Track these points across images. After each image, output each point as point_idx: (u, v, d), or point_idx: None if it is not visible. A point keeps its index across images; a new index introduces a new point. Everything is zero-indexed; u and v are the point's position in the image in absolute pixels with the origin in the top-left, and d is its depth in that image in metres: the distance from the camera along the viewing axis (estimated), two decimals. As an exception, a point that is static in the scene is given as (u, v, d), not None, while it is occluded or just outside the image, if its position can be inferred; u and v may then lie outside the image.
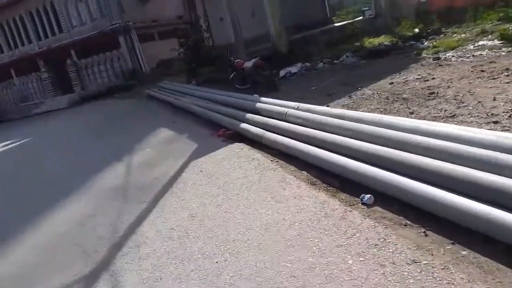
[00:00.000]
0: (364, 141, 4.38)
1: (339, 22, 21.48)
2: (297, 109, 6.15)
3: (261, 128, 6.24)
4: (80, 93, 25.23)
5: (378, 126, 4.47)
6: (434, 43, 10.90)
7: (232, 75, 11.14)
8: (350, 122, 4.86)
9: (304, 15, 18.28)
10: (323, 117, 5.36)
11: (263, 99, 7.60)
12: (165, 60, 25.56)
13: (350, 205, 3.70)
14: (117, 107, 16.38)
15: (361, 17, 19.16)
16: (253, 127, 6.38)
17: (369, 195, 3.69)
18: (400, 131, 4.24)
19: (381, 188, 3.63)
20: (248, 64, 10.46)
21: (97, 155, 8.21)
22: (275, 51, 12.91)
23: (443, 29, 12.89)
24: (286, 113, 6.09)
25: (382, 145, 4.07)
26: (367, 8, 26.66)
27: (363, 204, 3.68)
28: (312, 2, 18.64)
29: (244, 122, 6.85)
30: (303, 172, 4.67)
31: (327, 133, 4.87)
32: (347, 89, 8.36)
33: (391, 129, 4.32)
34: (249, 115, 6.88)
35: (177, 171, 5.78)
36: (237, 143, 6.42)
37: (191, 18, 17.21)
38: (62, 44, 25.48)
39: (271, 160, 5.30)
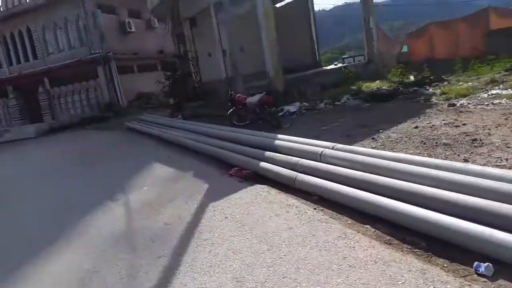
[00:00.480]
0: (443, 189, 3.54)
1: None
2: (333, 149, 5.29)
3: (288, 169, 5.33)
4: (50, 122, 23.64)
5: (462, 174, 3.65)
6: (442, 90, 10.46)
7: (231, 110, 10.27)
8: (418, 167, 4.02)
9: (294, 56, 17.88)
10: (376, 159, 4.50)
11: (281, 136, 6.71)
12: (143, 94, 24.58)
13: (462, 277, 2.77)
14: (95, 138, 15.13)
15: (349, 63, 18.89)
16: (279, 167, 5.45)
17: (486, 264, 2.78)
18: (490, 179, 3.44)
19: (506, 257, 2.74)
20: (252, 99, 9.63)
21: (83, 192, 6.98)
22: (271, 89, 12.19)
23: (444, 77, 12.60)
24: (321, 153, 5.21)
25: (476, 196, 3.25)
26: (347, 56, 26.93)
27: (479, 275, 2.76)
28: (301, 45, 18.28)
29: (263, 161, 5.91)
30: (366, 226, 3.74)
31: (392, 179, 3.99)
32: (367, 131, 7.61)
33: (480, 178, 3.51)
34: (269, 153, 5.96)
35: (193, 216, 4.72)
36: (258, 185, 5.45)
37: (179, 51, 16.39)
38: (35, 71, 24.10)
39: (314, 208, 4.35)
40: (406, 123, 7.76)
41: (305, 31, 17.90)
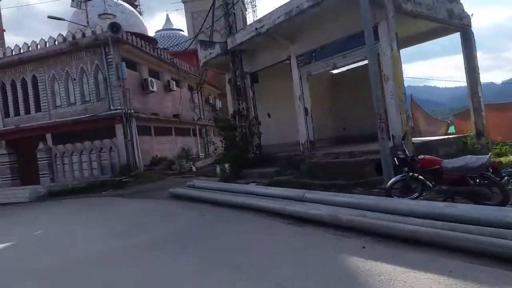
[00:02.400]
0: None
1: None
2: None
3: None
4: (50, 185, 19.70)
5: None
6: None
7: (397, 178, 7.22)
8: None
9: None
10: None
11: None
12: (160, 158, 21.18)
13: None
14: (130, 209, 11.51)
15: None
16: None
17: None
18: None
19: None
20: (463, 162, 6.43)
21: None
22: (395, 155, 9.32)
23: None
24: None
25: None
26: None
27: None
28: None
29: None
30: None
31: None
32: None
33: None
34: None
35: None
36: None
37: (240, 108, 13.53)
38: (36, 125, 20.38)
39: None
40: None
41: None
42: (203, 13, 36.42)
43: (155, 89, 21.82)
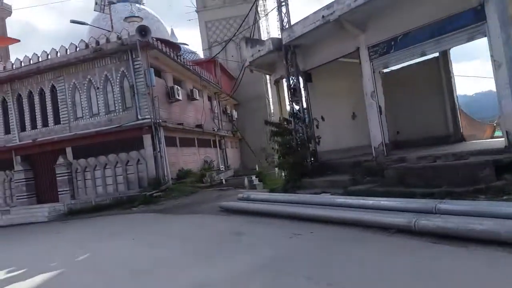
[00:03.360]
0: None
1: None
2: None
3: None
4: (70, 203, 17.92)
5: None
6: None
7: None
8: None
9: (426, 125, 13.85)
10: None
11: None
12: (187, 171, 19.52)
13: None
14: (182, 227, 9.74)
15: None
16: None
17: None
18: None
19: None
20: None
21: None
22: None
23: None
24: None
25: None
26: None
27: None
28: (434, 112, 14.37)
29: None
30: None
31: None
32: None
33: None
34: None
35: None
36: None
37: (293, 110, 11.95)
38: (55, 138, 18.72)
39: None
40: None
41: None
42: (217, 22, 35.46)
43: (180, 97, 20.28)
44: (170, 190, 16.62)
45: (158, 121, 17.46)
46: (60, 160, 18.82)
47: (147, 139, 17.41)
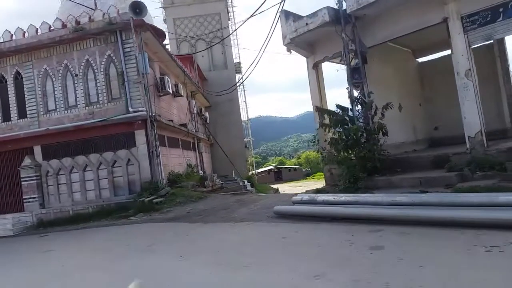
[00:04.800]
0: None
1: None
2: None
3: None
4: (39, 213, 14.66)
5: None
6: None
7: None
8: None
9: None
10: None
11: None
12: (177, 174, 16.95)
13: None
14: (243, 239, 7.32)
15: None
16: None
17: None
18: None
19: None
20: None
21: None
22: None
23: None
24: None
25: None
26: None
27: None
28: None
29: None
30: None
31: None
32: None
33: None
34: None
35: None
36: None
37: (352, 95, 9.96)
38: (22, 135, 15.33)
39: None
40: None
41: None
42: (186, 20, 32.91)
43: (170, 90, 17.62)
44: (171, 195, 13.91)
45: (153, 114, 14.73)
46: (27, 161, 15.39)
47: (140, 136, 14.60)
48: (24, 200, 15.34)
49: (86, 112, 15.17)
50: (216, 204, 12.30)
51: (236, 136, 31.98)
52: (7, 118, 16.02)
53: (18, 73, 15.88)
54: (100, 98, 15.11)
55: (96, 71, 15.15)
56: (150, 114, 14.51)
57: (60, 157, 15.33)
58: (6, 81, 16.01)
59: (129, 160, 14.72)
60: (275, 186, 36.95)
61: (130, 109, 14.53)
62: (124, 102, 14.74)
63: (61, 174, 15.33)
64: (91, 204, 14.52)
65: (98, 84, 15.15)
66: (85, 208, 14.35)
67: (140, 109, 14.51)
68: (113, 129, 14.70)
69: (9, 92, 15.98)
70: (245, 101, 40.58)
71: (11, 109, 15.97)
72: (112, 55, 14.97)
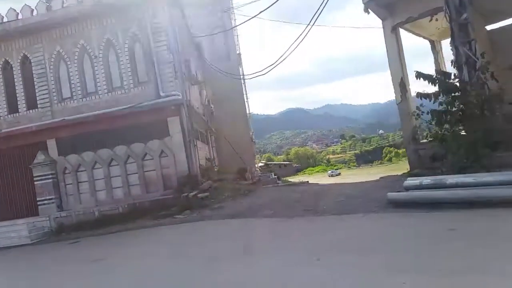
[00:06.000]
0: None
1: None
2: None
3: None
4: (57, 216, 12.60)
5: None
6: None
7: None
8: None
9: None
10: None
11: None
12: (207, 167, 15.08)
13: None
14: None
15: None
16: None
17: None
18: None
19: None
20: None
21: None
22: None
23: None
24: None
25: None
26: None
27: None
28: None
29: None
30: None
31: None
32: None
33: None
34: None
35: None
36: None
37: (458, 55, 8.27)
38: (34, 127, 13.23)
39: None
40: None
41: None
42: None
43: (196, 74, 15.71)
44: (215, 190, 12.04)
45: (188, 99, 12.82)
46: (40, 157, 13.27)
47: (174, 124, 12.66)
48: (39, 202, 13.21)
49: (108, 99, 13.15)
50: (278, 197, 10.50)
51: (241, 130, 30.08)
52: (13, 109, 13.86)
53: (25, 57, 13.73)
54: (125, 82, 13.10)
55: (119, 51, 13.15)
56: (186, 99, 12.59)
57: (79, 151, 13.26)
58: (11, 67, 13.85)
59: (162, 151, 12.75)
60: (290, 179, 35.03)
61: (162, 93, 12.59)
62: (153, 85, 12.79)
63: (81, 171, 13.27)
64: (120, 204, 12.52)
65: (121, 67, 13.15)
66: (113, 209, 12.35)
67: (173, 93, 12.57)
68: (142, 117, 12.70)
69: (15, 80, 13.82)
70: (246, 95, 38.79)
71: (18, 99, 13.81)
72: (137, 32, 12.98)
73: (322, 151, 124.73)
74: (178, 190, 12.07)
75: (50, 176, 13.21)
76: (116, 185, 13.04)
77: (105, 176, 13.05)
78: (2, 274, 7.62)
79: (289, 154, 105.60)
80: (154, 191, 12.69)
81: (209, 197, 11.39)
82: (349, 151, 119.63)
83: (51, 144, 13.43)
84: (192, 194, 11.38)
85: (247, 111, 34.04)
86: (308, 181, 19.24)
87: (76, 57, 13.36)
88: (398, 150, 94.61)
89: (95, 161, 13.15)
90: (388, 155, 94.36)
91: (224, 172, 15.31)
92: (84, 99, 13.31)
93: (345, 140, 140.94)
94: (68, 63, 13.42)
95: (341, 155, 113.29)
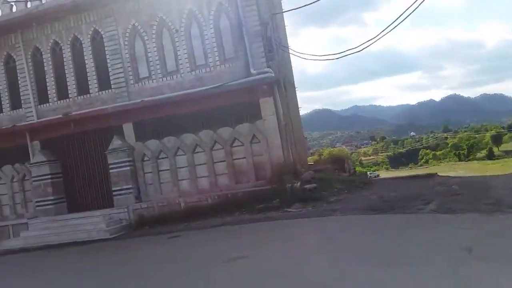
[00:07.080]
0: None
1: None
2: None
3: None
4: (137, 208, 11.34)
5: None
6: None
7: None
8: None
9: None
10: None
11: None
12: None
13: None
14: None
15: None
16: None
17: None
18: None
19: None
20: None
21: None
22: None
23: None
24: None
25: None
26: None
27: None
28: None
29: None
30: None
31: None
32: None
33: None
34: None
35: None
36: None
37: None
38: (109, 109, 11.88)
39: None
40: None
41: None
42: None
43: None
44: (321, 181, 10.54)
45: (283, 76, 11.27)
46: (115, 142, 11.97)
47: (267, 105, 11.13)
48: (114, 192, 11.96)
49: (192, 78, 11.72)
50: (409, 190, 8.93)
51: (296, 123, 28.43)
52: (84, 90, 12.60)
53: (96, 32, 12.40)
54: (210, 59, 11.64)
55: (203, 24, 11.65)
56: (281, 76, 11.04)
57: (160, 136, 11.92)
58: (81, 44, 12.55)
59: (253, 136, 11.28)
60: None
61: (252, 71, 11.06)
62: (242, 62, 11.29)
63: (162, 158, 11.93)
64: (205, 195, 11.16)
65: (205, 42, 11.67)
66: (201, 200, 11.00)
67: (265, 69, 11.04)
68: (230, 97, 11.22)
69: (85, 58, 12.53)
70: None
71: (89, 78, 12.53)
72: (223, 1, 11.44)
73: (353, 152, 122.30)
74: (273, 181, 10.60)
75: (127, 164, 11.92)
76: (201, 174, 11.66)
77: (189, 164, 11.68)
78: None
79: (323, 155, 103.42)
80: (245, 181, 11.27)
81: (316, 189, 9.89)
82: (381, 153, 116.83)
83: (128, 128, 12.13)
84: (297, 185, 9.89)
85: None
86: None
87: (154, 32, 11.94)
88: (436, 152, 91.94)
89: (177, 147, 11.79)
90: (424, 158, 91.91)
91: (302, 163, 13.78)
92: (164, 79, 11.92)
93: (375, 142, 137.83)
94: (145, 38, 12.02)
95: (373, 157, 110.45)
